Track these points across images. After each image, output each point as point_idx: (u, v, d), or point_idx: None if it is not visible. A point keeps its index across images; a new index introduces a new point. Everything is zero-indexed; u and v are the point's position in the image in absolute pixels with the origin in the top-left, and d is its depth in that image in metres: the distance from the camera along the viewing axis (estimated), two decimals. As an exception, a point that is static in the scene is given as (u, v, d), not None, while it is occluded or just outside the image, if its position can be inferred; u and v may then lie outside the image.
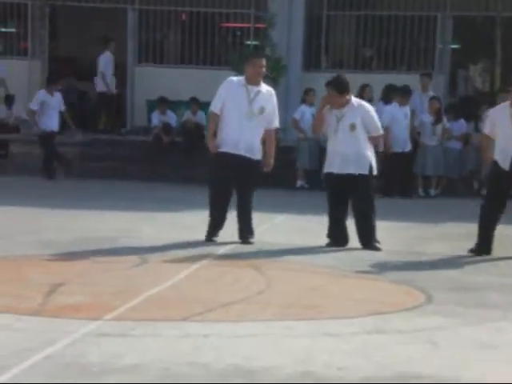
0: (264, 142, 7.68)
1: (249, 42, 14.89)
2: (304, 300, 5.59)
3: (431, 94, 12.70)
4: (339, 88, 7.50)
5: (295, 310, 5.31)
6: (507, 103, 7.42)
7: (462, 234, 8.53)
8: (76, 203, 9.92)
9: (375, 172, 7.68)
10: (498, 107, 7.69)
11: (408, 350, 4.46)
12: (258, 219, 9.04)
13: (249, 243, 7.62)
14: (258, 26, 14.37)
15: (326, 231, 7.72)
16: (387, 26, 14.32)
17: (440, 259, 7.27)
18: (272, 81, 12.98)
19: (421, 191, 12.19)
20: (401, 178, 11.92)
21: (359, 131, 7.54)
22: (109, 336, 4.51)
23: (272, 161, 7.71)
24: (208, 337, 4.58)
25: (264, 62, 7.55)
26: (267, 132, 7.65)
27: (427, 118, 12.18)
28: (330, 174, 7.63)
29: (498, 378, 4.04)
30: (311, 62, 14.53)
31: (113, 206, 9.80)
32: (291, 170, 12.40)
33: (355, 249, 7.55)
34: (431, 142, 12.12)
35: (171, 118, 13.69)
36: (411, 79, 12.93)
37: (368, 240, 7.57)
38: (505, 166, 7.34)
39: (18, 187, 11.59)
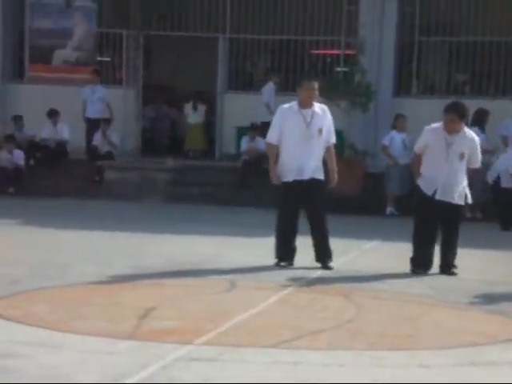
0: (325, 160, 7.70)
1: (339, 69, 14.89)
2: (395, 329, 5.49)
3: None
4: (461, 114, 7.41)
5: (387, 339, 5.21)
6: None
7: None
8: (168, 228, 10.07)
9: (470, 201, 7.65)
10: None
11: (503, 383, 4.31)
12: (347, 246, 9.00)
13: (329, 268, 7.56)
14: (348, 52, 14.36)
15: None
16: (480, 52, 14.06)
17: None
18: (361, 106, 12.98)
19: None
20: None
21: (464, 162, 7.52)
22: (199, 361, 4.53)
23: (336, 175, 7.66)
24: (297, 364, 4.54)
25: (316, 85, 7.51)
26: (327, 149, 7.66)
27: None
28: (429, 198, 7.51)
29: None
30: (401, 88, 14.40)
31: (202, 230, 9.90)
32: (380, 196, 12.25)
33: (445, 277, 7.37)
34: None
35: (260, 143, 13.80)
36: (505, 105, 12.62)
37: (449, 267, 7.50)
38: None
39: (113, 212, 11.86)
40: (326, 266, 7.60)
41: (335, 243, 8.80)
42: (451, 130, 7.43)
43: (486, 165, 11.84)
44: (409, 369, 4.56)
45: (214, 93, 15.44)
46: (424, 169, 7.61)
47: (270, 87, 14.20)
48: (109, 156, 14.20)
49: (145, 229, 9.96)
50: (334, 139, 7.75)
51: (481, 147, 11.75)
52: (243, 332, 5.24)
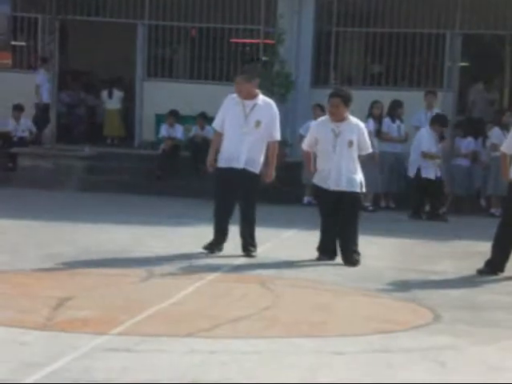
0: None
1: (259, 58, 14.93)
2: (311, 317, 5.57)
3: (436, 111, 12.68)
4: (346, 100, 7.53)
5: (302, 327, 5.29)
6: None
7: (470, 253, 8.50)
8: (84, 216, 9.91)
9: (364, 189, 7.78)
10: None
11: (415, 370, 4.44)
12: (266, 235, 9.05)
13: (251, 256, 7.67)
14: (267, 41, 14.40)
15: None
16: (396, 43, 14.32)
17: (448, 278, 7.24)
18: (280, 96, 13.05)
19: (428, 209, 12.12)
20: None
21: (354, 149, 7.61)
22: (115, 351, 4.50)
23: (272, 172, 7.75)
24: (214, 353, 4.57)
25: (240, 79, 7.64)
26: (268, 144, 7.73)
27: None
28: (324, 190, 7.66)
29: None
30: (320, 78, 14.55)
31: (120, 219, 9.79)
32: (298, 185, 12.38)
33: (363, 266, 7.52)
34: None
35: (178, 131, 13.73)
36: (420, 96, 12.92)
37: (349, 254, 7.60)
38: None
39: (27, 200, 11.60)
40: (249, 255, 7.68)
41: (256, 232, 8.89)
42: (336, 115, 7.52)
43: (404, 156, 12.15)
44: (322, 355, 4.65)
45: (133, 79, 15.24)
46: (318, 163, 7.72)
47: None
48: (22, 142, 13.86)
49: (60, 217, 9.77)
50: (277, 136, 7.78)
51: (393, 137, 12.22)
52: (160, 321, 5.23)
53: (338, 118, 7.57)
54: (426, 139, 11.67)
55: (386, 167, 12.27)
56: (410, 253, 8.60)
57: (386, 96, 13.07)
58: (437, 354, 4.72)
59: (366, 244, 8.37)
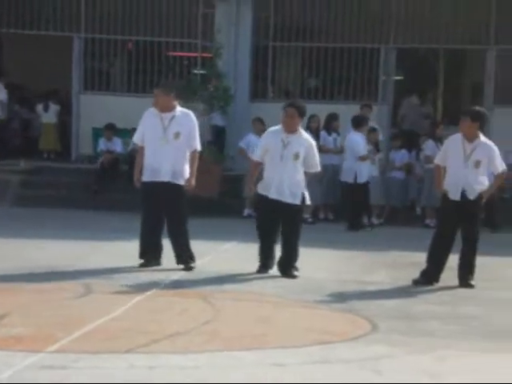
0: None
1: (196, 72, 14.95)
2: (251, 330, 5.59)
3: (371, 125, 12.90)
4: (301, 111, 7.61)
5: (242, 340, 5.30)
6: (459, 134, 7.53)
7: (406, 263, 8.64)
8: (19, 232, 9.74)
9: (308, 202, 7.84)
10: (450, 138, 7.76)
11: (353, 380, 4.49)
12: (205, 248, 9.06)
13: (190, 268, 7.64)
14: (205, 55, 14.43)
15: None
16: (332, 58, 14.53)
17: (384, 288, 7.35)
18: (220, 110, 13.09)
19: (365, 220, 12.29)
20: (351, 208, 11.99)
21: (300, 162, 7.65)
22: (51, 369, 4.44)
23: (193, 180, 7.77)
24: (152, 369, 4.54)
25: (158, 91, 7.71)
26: (190, 155, 7.77)
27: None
28: (264, 198, 7.68)
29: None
30: (258, 92, 14.64)
31: (56, 234, 9.65)
32: (238, 198, 12.41)
33: (302, 278, 7.56)
34: (372, 173, 12.24)
35: (117, 144, 13.62)
36: (356, 109, 13.12)
37: (287, 267, 7.65)
38: (455, 197, 7.46)
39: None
40: (187, 267, 7.65)
41: (194, 245, 8.85)
42: (290, 125, 7.58)
43: (340, 168, 12.30)
44: (263, 368, 4.67)
45: (70, 92, 15.08)
46: (264, 172, 7.76)
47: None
48: None
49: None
50: (197, 146, 7.80)
51: (330, 148, 12.33)
52: (98, 338, 5.17)
53: (291, 129, 7.61)
54: (361, 144, 11.88)
55: (324, 179, 12.39)
56: (348, 264, 8.71)
57: (322, 109, 13.23)
58: (374, 364, 4.80)
59: (306, 256, 8.43)
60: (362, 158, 11.88)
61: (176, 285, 7.10)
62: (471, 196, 7.46)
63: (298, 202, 7.67)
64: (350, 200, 11.81)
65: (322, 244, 9.88)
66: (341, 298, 6.82)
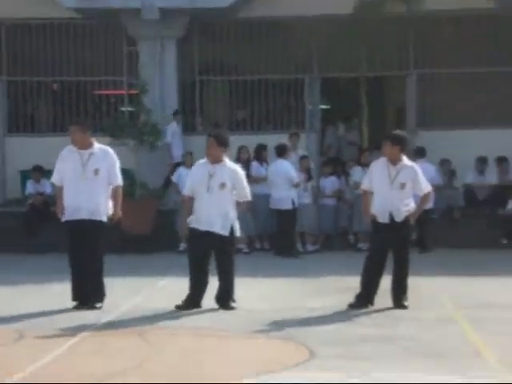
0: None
1: (123, 109, 14.91)
2: (188, 366, 5.54)
3: (301, 152, 13.08)
4: (220, 140, 7.61)
5: (178, 377, 5.24)
6: (384, 158, 7.67)
7: (341, 288, 8.71)
8: None
9: (238, 233, 7.81)
10: (375, 162, 7.90)
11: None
12: (141, 284, 9.00)
13: (95, 308, 7.52)
14: (131, 92, 14.42)
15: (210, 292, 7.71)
16: (258, 89, 14.71)
17: (323, 314, 7.38)
18: (149, 145, 13.07)
19: (300, 247, 12.39)
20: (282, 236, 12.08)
21: (227, 192, 7.64)
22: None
23: (119, 211, 7.74)
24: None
25: (75, 128, 7.69)
26: (113, 190, 7.75)
27: (299, 176, 12.49)
28: (195, 230, 7.65)
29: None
30: (188, 126, 14.69)
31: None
32: (172, 232, 12.34)
33: (239, 309, 7.55)
34: (304, 200, 12.39)
35: (46, 186, 13.41)
36: (284, 138, 13.27)
37: (225, 299, 7.63)
38: (383, 219, 7.58)
39: None
40: (92, 307, 7.53)
41: (130, 282, 8.79)
42: (210, 155, 7.60)
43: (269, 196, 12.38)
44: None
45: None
46: (194, 205, 7.70)
47: (173, 126, 13.84)
48: None
49: None
50: (118, 181, 7.78)
51: (262, 178, 12.38)
52: (31, 385, 5.05)
53: (214, 160, 7.62)
54: (293, 170, 12.03)
55: (259, 209, 12.44)
56: (286, 292, 8.74)
57: (252, 140, 13.37)
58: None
59: (244, 286, 8.47)
60: (297, 185, 12.04)
61: (111, 325, 6.99)
62: (398, 218, 7.60)
63: (226, 233, 7.65)
64: (288, 226, 11.88)
65: (259, 273, 9.92)
66: (279, 326, 6.84)
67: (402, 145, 7.63)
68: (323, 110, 15.53)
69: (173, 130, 13.91)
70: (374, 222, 7.70)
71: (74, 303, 7.64)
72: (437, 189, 12.59)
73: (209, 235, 7.59)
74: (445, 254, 11.75)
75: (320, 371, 5.27)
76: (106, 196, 7.68)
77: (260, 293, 8.58)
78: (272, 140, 13.14)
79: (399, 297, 7.58)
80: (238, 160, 12.67)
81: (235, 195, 7.73)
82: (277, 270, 10.41)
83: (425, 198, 7.85)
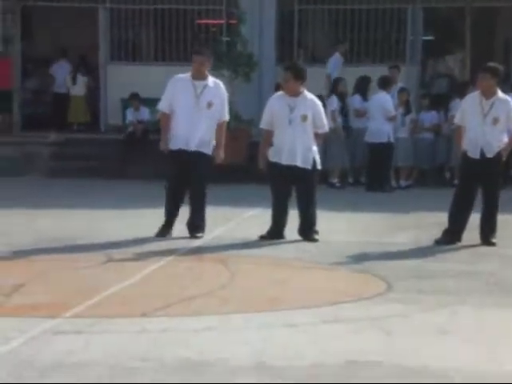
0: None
1: (222, 38, 14.90)
2: (265, 293, 5.64)
3: (400, 85, 12.76)
4: (297, 73, 7.51)
5: (256, 302, 5.36)
6: (477, 92, 7.47)
7: (431, 224, 8.56)
8: (48, 202, 9.88)
9: (319, 166, 7.73)
10: (467, 96, 7.72)
11: (361, 339, 4.52)
12: (230, 214, 9.13)
13: (196, 237, 7.59)
14: (231, 22, 14.37)
15: (291, 223, 7.72)
16: (358, 20, 14.35)
17: (406, 248, 7.32)
18: (244, 76, 13.07)
19: (393, 182, 12.23)
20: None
21: (309, 124, 7.58)
22: (65, 334, 4.54)
23: (221, 152, 7.73)
24: (165, 331, 4.62)
25: (203, 59, 7.61)
26: (218, 125, 7.71)
27: (397, 110, 12.23)
28: (276, 164, 7.62)
29: (443, 363, 4.10)
30: (284, 57, 14.54)
31: (82, 204, 9.78)
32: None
33: (323, 241, 7.56)
34: (401, 134, 12.16)
35: (145, 113, 13.68)
36: (385, 71, 12.97)
37: (308, 231, 7.61)
38: (475, 155, 7.39)
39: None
40: (194, 236, 7.63)
41: (219, 211, 8.93)
42: (287, 89, 7.50)
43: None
44: (273, 328, 4.72)
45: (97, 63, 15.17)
46: (274, 138, 7.65)
47: (336, 58, 13.68)
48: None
49: (24, 205, 9.72)
50: (226, 116, 7.78)
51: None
52: (114, 303, 5.28)
53: (291, 92, 7.55)
54: (391, 103, 11.80)
55: (358, 143, 12.31)
56: (372, 225, 8.69)
57: (351, 72, 13.11)
58: (384, 322, 4.81)
59: (329, 219, 8.48)
60: (393, 118, 11.83)
61: (196, 251, 7.17)
62: (490, 154, 7.38)
63: (309, 166, 7.60)
64: (382, 160, 11.72)
65: (348, 208, 9.89)
66: (359, 259, 6.83)
67: (499, 77, 7.38)
68: (425, 41, 15.00)
69: (335, 61, 13.59)
70: (464, 156, 7.50)
71: (161, 229, 7.72)
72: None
73: (291, 169, 7.56)
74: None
75: (394, 304, 5.25)
76: (213, 130, 7.68)
77: (346, 226, 8.57)
78: (371, 72, 12.86)
79: (487, 234, 7.41)
80: (333, 92, 12.53)
81: (314, 127, 7.65)
82: (367, 204, 10.32)
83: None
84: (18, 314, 4.90)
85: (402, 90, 12.47)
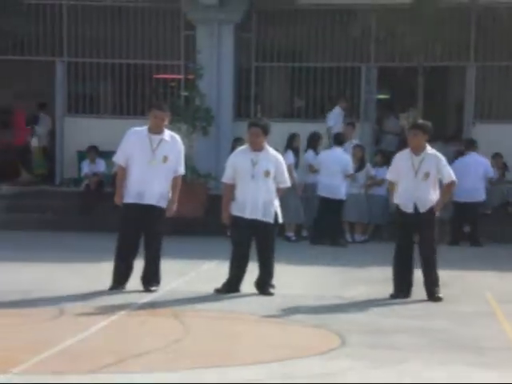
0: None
1: (180, 93, 15.04)
2: (218, 347, 5.62)
3: (355, 142, 13.00)
4: (265, 128, 7.66)
5: (208, 358, 5.33)
6: (407, 149, 7.70)
7: (384, 278, 8.63)
8: (2, 254, 9.73)
9: (281, 220, 7.83)
10: (398, 154, 7.94)
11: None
12: (186, 267, 9.10)
13: (150, 291, 7.57)
14: (189, 77, 14.54)
15: (250, 278, 7.75)
16: (314, 77, 14.64)
17: (359, 303, 7.38)
18: (202, 130, 13.19)
19: (348, 237, 12.34)
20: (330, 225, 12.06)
21: (271, 179, 7.70)
22: (13, 390, 4.46)
23: (174, 207, 7.75)
24: (115, 388, 4.56)
25: (164, 114, 7.63)
26: (173, 179, 7.74)
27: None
28: (239, 218, 7.68)
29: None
30: (242, 111, 14.73)
31: (35, 257, 9.66)
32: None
33: (278, 295, 7.58)
34: (354, 190, 12.34)
35: (100, 166, 13.66)
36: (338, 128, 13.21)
37: (265, 285, 7.66)
38: (408, 209, 7.57)
39: None
40: (148, 290, 7.61)
41: (175, 264, 8.90)
42: (255, 144, 7.62)
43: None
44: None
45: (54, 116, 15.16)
46: (236, 193, 7.73)
47: (336, 112, 13.82)
48: None
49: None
50: (182, 170, 7.80)
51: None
52: (64, 359, 5.20)
53: (257, 148, 7.67)
54: (351, 162, 12.03)
55: (310, 198, 12.42)
56: (327, 280, 8.74)
57: (305, 128, 13.32)
58: (337, 378, 4.82)
59: (286, 273, 8.53)
60: (351, 176, 12.03)
61: (150, 305, 7.11)
62: (423, 208, 7.56)
63: (271, 220, 7.71)
64: (337, 214, 11.88)
65: (304, 261, 9.94)
66: (314, 313, 6.86)
67: (429, 134, 7.66)
68: (380, 100, 15.34)
69: (335, 115, 13.71)
70: (399, 211, 7.67)
71: (113, 284, 7.66)
72: (490, 182, 12.46)
73: (254, 222, 7.63)
74: (497, 249, 11.55)
75: (347, 359, 5.26)
76: (169, 184, 7.68)
77: (301, 280, 8.61)
78: (323, 129, 13.12)
79: (431, 289, 7.50)
80: (289, 147, 12.69)
81: (276, 181, 7.76)
82: (322, 258, 10.38)
83: (448, 187, 7.74)
84: (-36, 370, 4.80)
85: (357, 147, 12.70)
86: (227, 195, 7.81)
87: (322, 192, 12.03)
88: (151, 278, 7.68)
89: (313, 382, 4.78)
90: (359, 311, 7.00)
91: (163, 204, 7.68)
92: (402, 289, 7.56)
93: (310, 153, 12.69)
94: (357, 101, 14.62)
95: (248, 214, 7.65)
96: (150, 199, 7.60)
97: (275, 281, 7.79)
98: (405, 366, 5.17)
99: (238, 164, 7.75)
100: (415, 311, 7.08)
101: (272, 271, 7.78)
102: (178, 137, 7.87)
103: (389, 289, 7.69)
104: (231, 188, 7.77)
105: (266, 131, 7.68)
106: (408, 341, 5.89)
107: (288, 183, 7.92)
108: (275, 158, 7.77)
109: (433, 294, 7.48)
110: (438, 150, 8.11)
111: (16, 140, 15.11)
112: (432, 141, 12.44)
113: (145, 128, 7.73)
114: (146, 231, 7.69)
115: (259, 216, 7.65)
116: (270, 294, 7.60)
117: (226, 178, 7.83)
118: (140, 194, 7.59)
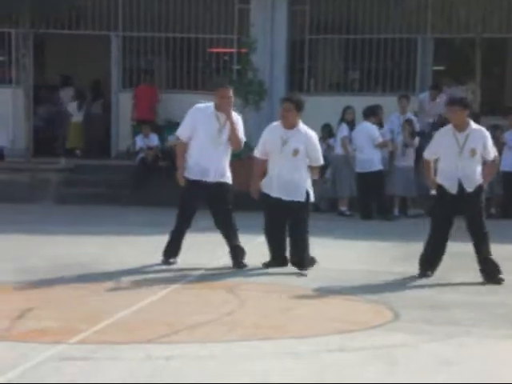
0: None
1: (233, 67, 15.01)
2: (272, 321, 5.63)
3: (408, 115, 12.78)
4: (299, 104, 7.41)
5: (262, 330, 5.35)
6: (449, 126, 7.25)
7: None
8: (60, 229, 9.93)
9: (312, 199, 7.60)
10: (440, 130, 7.50)
11: (365, 368, 4.50)
12: (242, 240, 9.09)
13: (243, 266, 7.57)
14: (242, 50, 14.48)
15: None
16: (369, 49, 14.45)
17: (412, 278, 7.27)
18: (254, 104, 13.14)
19: (396, 211, 12.16)
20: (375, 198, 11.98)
21: (301, 158, 7.44)
22: (70, 360, 4.55)
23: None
24: (169, 359, 4.62)
25: (230, 92, 7.55)
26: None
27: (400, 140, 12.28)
28: (268, 196, 7.55)
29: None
30: (294, 85, 14.63)
31: (92, 231, 9.80)
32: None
33: (332, 269, 7.55)
34: (402, 163, 12.16)
35: (154, 140, 13.77)
36: (394, 101, 13.00)
37: (299, 261, 7.48)
38: (452, 189, 7.19)
39: (2, 214, 11.59)
40: (240, 265, 7.60)
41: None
42: (287, 120, 7.41)
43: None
44: (279, 357, 4.71)
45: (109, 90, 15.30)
46: (268, 168, 7.57)
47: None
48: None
49: (32, 231, 9.75)
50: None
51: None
52: (120, 329, 5.28)
53: (288, 124, 7.44)
54: (376, 130, 11.91)
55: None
56: (380, 255, 8.66)
57: (360, 101, 13.15)
58: (390, 352, 4.79)
59: (338, 247, 8.47)
60: (382, 145, 11.93)
61: (204, 278, 7.17)
62: (469, 188, 7.17)
63: (300, 199, 7.47)
64: (377, 190, 11.82)
65: (356, 236, 9.88)
66: (368, 288, 6.81)
67: (469, 108, 7.24)
68: (435, 71, 15.04)
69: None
70: (441, 191, 7.26)
71: (167, 258, 7.71)
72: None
73: (280, 201, 7.46)
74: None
75: (400, 334, 5.23)
76: (228, 161, 7.67)
77: (355, 254, 8.55)
78: (382, 102, 12.91)
79: (489, 272, 7.12)
80: (343, 120, 12.56)
81: (308, 160, 7.52)
82: (376, 233, 10.29)
83: (495, 164, 7.46)
84: (24, 339, 4.92)
85: (406, 121, 12.48)
86: (256, 169, 7.67)
87: (357, 167, 11.97)
88: (241, 253, 7.70)
89: (367, 355, 4.76)
90: (413, 286, 6.93)
91: (228, 179, 7.65)
92: (429, 268, 7.29)
93: (367, 125, 12.41)
94: (412, 73, 14.37)
95: (274, 193, 7.51)
96: (215, 176, 7.53)
97: (332, 254, 7.70)
98: (460, 340, 5.11)
99: (267, 141, 7.56)
100: (473, 287, 6.97)
101: (307, 252, 7.51)
102: (239, 117, 7.73)
103: (443, 264, 7.56)
104: (261, 162, 7.61)
105: (299, 107, 7.41)
106: (467, 315, 5.81)
107: (321, 162, 7.66)
108: (306, 137, 7.47)
109: (493, 278, 7.08)
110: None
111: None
112: (490, 114, 12.34)
113: (211, 105, 7.62)
114: (214, 206, 7.63)
115: (284, 195, 7.45)
116: (307, 267, 7.38)
117: (256, 152, 7.69)
118: (204, 172, 7.51)
